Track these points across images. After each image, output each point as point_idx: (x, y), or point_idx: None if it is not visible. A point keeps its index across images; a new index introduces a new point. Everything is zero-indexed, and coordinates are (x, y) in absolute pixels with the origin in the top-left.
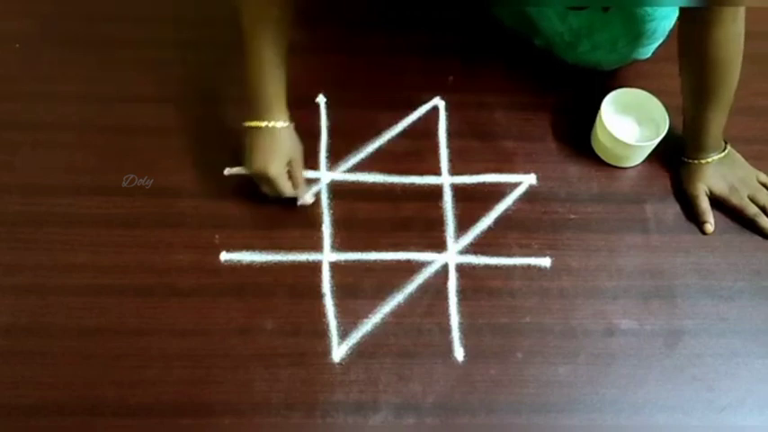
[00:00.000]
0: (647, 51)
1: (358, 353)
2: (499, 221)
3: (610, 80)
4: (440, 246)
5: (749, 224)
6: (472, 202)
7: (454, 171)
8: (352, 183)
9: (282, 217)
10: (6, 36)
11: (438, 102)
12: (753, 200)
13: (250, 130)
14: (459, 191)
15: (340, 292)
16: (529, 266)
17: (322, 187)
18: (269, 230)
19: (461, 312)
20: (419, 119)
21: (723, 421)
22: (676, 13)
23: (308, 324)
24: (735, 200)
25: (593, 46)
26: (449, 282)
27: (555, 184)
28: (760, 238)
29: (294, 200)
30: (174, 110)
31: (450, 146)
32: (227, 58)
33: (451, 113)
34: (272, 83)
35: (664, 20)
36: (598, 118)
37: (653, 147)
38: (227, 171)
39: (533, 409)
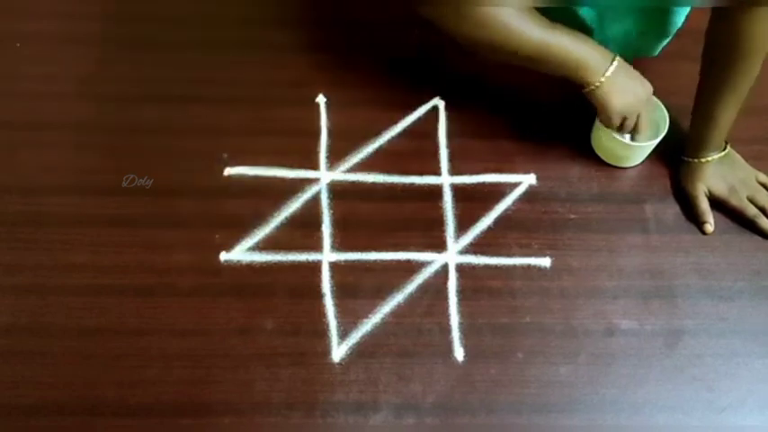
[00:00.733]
0: (655, 48)
1: (358, 353)
2: (499, 221)
3: None
4: (440, 246)
5: (749, 225)
6: (472, 202)
7: (454, 171)
8: (352, 183)
9: (282, 217)
10: (6, 35)
11: (438, 102)
12: (752, 200)
13: (603, 84)
14: (459, 191)
15: (340, 291)
16: (529, 266)
17: (322, 187)
18: (269, 230)
19: (461, 312)
20: (419, 119)
21: (723, 421)
22: (688, 11)
23: (307, 324)
24: (734, 201)
25: (602, 40)
26: (449, 282)
27: (555, 184)
28: (760, 239)
29: (286, 200)
30: (174, 110)
31: (449, 146)
32: (228, 57)
33: (451, 113)
34: (578, 36)
35: (680, 15)
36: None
37: (653, 147)
38: (227, 171)
39: (534, 409)
